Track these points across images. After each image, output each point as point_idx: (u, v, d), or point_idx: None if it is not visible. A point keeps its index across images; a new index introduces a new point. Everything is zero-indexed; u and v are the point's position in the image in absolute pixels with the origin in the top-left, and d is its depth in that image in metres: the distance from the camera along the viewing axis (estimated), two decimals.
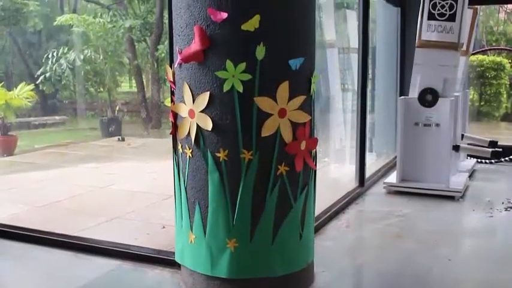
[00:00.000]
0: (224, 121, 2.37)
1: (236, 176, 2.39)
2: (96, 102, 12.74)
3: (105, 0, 12.94)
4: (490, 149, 5.17)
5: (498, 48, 12.46)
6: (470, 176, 5.37)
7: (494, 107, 11.27)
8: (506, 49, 12.45)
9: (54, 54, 10.90)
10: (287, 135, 2.41)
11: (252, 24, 2.29)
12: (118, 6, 12.21)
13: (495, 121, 11.34)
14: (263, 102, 2.34)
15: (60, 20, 10.93)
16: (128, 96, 13.61)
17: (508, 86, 11.28)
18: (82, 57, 10.98)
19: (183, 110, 2.49)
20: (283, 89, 2.36)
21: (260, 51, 2.31)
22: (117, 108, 11.73)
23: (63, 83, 11.51)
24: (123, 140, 9.55)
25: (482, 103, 11.27)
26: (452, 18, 4.69)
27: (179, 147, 2.58)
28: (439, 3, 4.70)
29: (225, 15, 2.30)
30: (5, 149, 8.31)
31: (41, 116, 12.13)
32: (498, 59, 11.18)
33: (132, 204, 4.66)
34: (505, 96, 11.27)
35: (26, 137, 9.69)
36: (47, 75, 10.91)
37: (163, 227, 3.84)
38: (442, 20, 4.69)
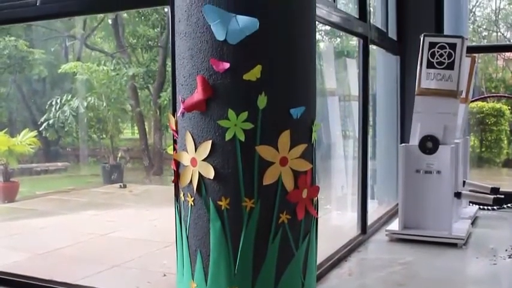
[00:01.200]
0: (226, 169, 2.39)
1: (238, 224, 2.39)
2: (98, 148, 12.81)
3: (109, 48, 13.16)
4: (492, 196, 5.16)
5: (497, 95, 12.58)
6: (472, 223, 5.35)
7: (495, 153, 11.31)
8: (505, 96, 12.57)
9: (58, 101, 11.02)
10: (288, 184, 2.42)
11: (253, 74, 2.34)
12: (122, 55, 12.41)
13: (496, 167, 11.35)
14: (265, 151, 2.36)
15: (65, 67, 11.10)
16: (130, 143, 13.69)
17: (508, 132, 11.35)
18: (85, 104, 11.10)
19: (185, 159, 2.51)
20: (285, 137, 2.39)
21: (262, 101, 2.34)
22: (119, 154, 11.78)
23: (66, 129, 11.60)
24: (124, 186, 9.56)
25: (483, 149, 11.31)
26: (450, 66, 4.76)
27: (181, 195, 2.59)
28: (438, 51, 4.78)
29: (227, 65, 2.34)
30: (6, 196, 8.32)
31: (43, 163, 12.18)
32: (498, 105, 11.28)
33: (133, 252, 4.64)
34: (505, 142, 11.32)
35: (27, 183, 9.70)
36: (51, 121, 11.01)
37: (164, 275, 3.82)
38: (440, 69, 4.76)
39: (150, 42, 12.62)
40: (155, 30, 12.46)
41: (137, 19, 12.25)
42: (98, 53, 13.48)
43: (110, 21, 12.73)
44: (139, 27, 12.40)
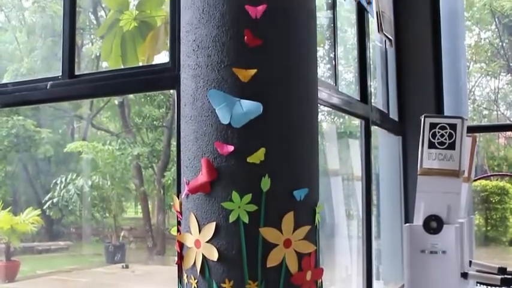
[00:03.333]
0: (230, 252, 2.39)
1: None
2: (101, 227, 12.77)
3: (115, 128, 13.38)
4: (500, 276, 5.08)
5: (500, 174, 12.61)
6: None
7: (501, 231, 11.22)
8: (507, 175, 12.60)
9: (63, 180, 11.11)
10: (293, 266, 2.42)
11: (257, 156, 2.38)
12: (127, 134, 12.60)
13: (503, 246, 11.22)
14: (268, 233, 2.37)
15: (70, 146, 11.26)
16: (133, 222, 13.65)
17: None
18: (90, 183, 11.17)
19: (189, 240, 2.52)
20: (288, 219, 2.40)
21: (265, 183, 2.38)
22: (122, 234, 11.73)
23: (70, 208, 11.61)
24: (127, 267, 9.47)
25: (488, 228, 11.23)
26: (452, 146, 4.81)
27: (184, 277, 2.58)
28: (439, 132, 4.84)
29: (231, 148, 2.40)
30: (7, 275, 8.23)
31: (46, 241, 12.11)
32: (501, 183, 11.29)
33: None
34: (511, 220, 11.25)
35: (29, 262, 9.61)
36: (55, 200, 11.06)
37: None
38: (442, 149, 4.81)
39: (155, 122, 12.85)
40: (160, 110, 12.72)
41: (143, 100, 12.52)
42: (104, 132, 13.69)
43: (116, 102, 13.00)
44: (145, 107, 12.67)
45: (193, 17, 2.54)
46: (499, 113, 15.56)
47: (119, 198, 12.03)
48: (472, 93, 14.58)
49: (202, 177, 2.45)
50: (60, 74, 3.60)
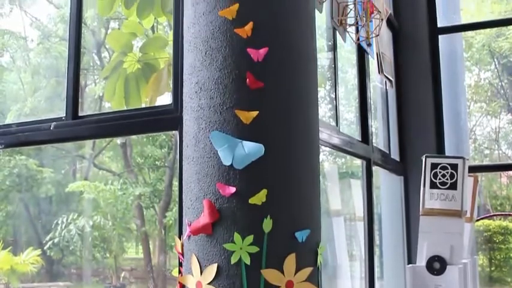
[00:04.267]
0: None
1: None
2: (101, 268, 12.66)
3: (117, 168, 13.41)
4: None
5: (503, 214, 12.55)
6: None
7: (506, 272, 11.10)
8: (511, 214, 12.53)
9: (64, 220, 11.08)
10: None
11: (259, 198, 2.39)
12: (129, 174, 12.61)
13: (507, 287, 11.09)
14: (270, 275, 2.36)
15: (72, 186, 11.26)
16: (134, 263, 13.54)
17: None
18: (91, 223, 11.14)
19: (191, 282, 2.50)
20: (290, 261, 2.39)
21: (267, 224, 2.38)
22: (123, 275, 11.64)
23: (70, 248, 11.54)
24: None
25: (492, 268, 11.11)
26: (453, 186, 4.80)
27: None
28: (440, 172, 4.85)
29: (233, 189, 2.41)
30: None
31: (45, 282, 12.00)
32: (504, 223, 11.22)
33: None
34: None
35: None
36: (56, 240, 11.00)
37: None
38: (444, 189, 4.80)
39: (157, 162, 12.89)
40: (162, 150, 12.77)
41: (145, 140, 12.59)
42: (106, 172, 13.71)
43: (118, 142, 13.07)
44: (147, 147, 12.72)
45: (196, 60, 2.59)
46: (500, 152, 15.57)
47: (120, 238, 11.97)
48: (473, 132, 14.63)
49: (204, 218, 2.45)
50: (64, 114, 3.64)
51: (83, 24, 3.81)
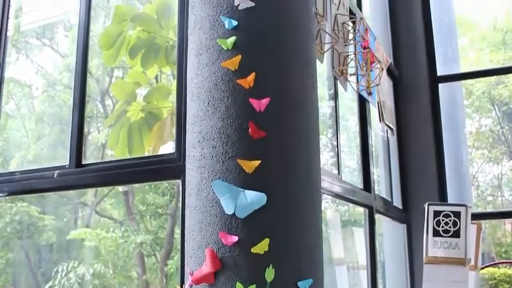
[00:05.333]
0: None
1: None
2: None
3: (118, 215, 13.34)
4: None
5: (509, 262, 12.40)
6: None
7: None
8: None
9: (64, 268, 10.95)
10: None
11: (261, 247, 2.39)
12: (130, 222, 12.55)
13: None
14: None
15: (73, 234, 11.18)
16: None
17: None
18: (92, 271, 11.02)
19: None
20: None
21: (269, 274, 2.37)
22: None
23: None
24: None
25: None
26: (456, 234, 4.77)
27: None
28: (443, 220, 4.83)
29: (235, 238, 2.41)
30: None
31: None
32: (510, 271, 11.05)
33: None
34: None
35: None
36: None
37: None
38: (447, 237, 4.77)
39: (159, 210, 12.83)
40: (164, 198, 12.73)
41: (147, 187, 12.57)
42: (107, 219, 13.64)
43: (120, 189, 13.05)
44: (149, 194, 12.69)
45: (199, 109, 2.63)
46: (503, 199, 15.49)
47: (121, 286, 11.81)
48: (476, 179, 14.59)
49: (206, 267, 2.44)
50: (68, 163, 3.67)
51: (87, 73, 3.88)
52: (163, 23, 4.44)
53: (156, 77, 4.79)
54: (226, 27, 2.59)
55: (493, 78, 10.03)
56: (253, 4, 2.60)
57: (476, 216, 5.71)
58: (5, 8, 4.39)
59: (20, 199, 11.90)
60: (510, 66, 8.78)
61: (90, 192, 13.87)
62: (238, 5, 2.60)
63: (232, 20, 2.58)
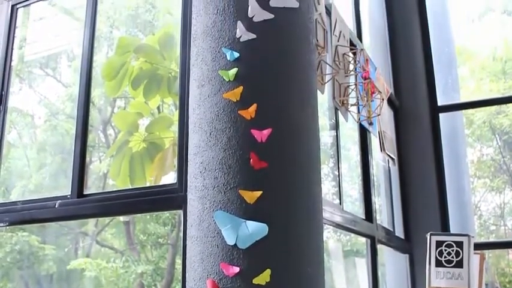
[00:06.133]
0: None
1: None
2: None
3: (119, 245, 13.27)
4: None
5: None
6: None
7: None
8: None
9: None
10: None
11: (263, 278, 2.38)
12: (131, 252, 12.48)
13: None
14: None
15: (74, 264, 11.11)
16: None
17: None
18: None
19: None
20: None
21: None
22: None
23: None
24: None
25: None
26: (459, 264, 4.74)
27: None
28: (445, 250, 4.80)
29: (237, 269, 2.40)
30: None
31: None
32: None
33: None
34: None
35: None
36: None
37: None
38: (449, 267, 4.75)
39: (160, 240, 12.77)
40: (166, 228, 12.67)
41: (148, 217, 12.54)
42: (108, 249, 13.56)
43: (121, 219, 13.01)
44: (150, 224, 12.64)
45: (201, 140, 2.64)
46: (506, 228, 15.40)
47: None
48: (478, 208, 14.52)
49: None
50: (69, 193, 3.67)
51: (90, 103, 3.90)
52: (166, 54, 4.48)
53: (158, 108, 4.81)
54: (228, 58, 2.63)
55: (494, 108, 10.06)
56: (254, 36, 2.63)
57: (479, 246, 5.67)
58: (9, 39, 4.44)
59: (21, 228, 11.84)
60: (510, 96, 8.80)
61: (91, 221, 13.80)
62: (240, 37, 2.64)
63: (234, 52, 2.62)
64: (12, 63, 4.49)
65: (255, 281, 2.37)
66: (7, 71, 4.40)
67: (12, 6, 4.43)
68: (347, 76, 4.12)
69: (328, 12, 4.05)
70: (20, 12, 4.54)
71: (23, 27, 4.83)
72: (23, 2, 4.44)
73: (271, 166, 2.51)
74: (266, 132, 2.53)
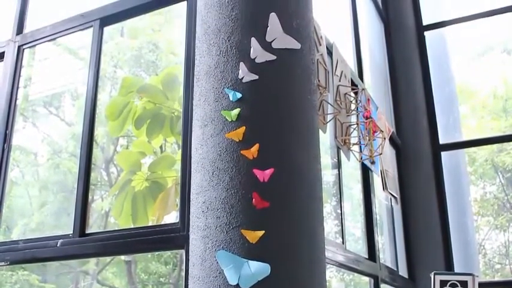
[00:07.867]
0: None
1: None
2: None
3: (120, 284, 13.13)
4: None
5: None
6: None
7: None
8: None
9: None
10: None
11: None
12: None
13: None
14: None
15: None
16: None
17: None
18: None
19: None
20: None
21: None
22: None
23: None
24: None
25: None
26: None
27: None
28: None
29: None
30: None
31: None
32: None
33: None
34: None
35: None
36: None
37: None
38: None
39: (161, 279, 12.64)
40: (167, 267, 12.56)
41: (150, 256, 12.44)
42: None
43: (123, 258, 12.91)
44: (152, 263, 12.53)
45: (203, 180, 2.65)
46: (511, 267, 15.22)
47: None
48: (483, 247, 14.40)
49: None
50: (71, 231, 3.66)
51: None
52: (169, 94, 4.51)
53: (160, 147, 4.82)
54: (231, 99, 2.66)
55: (495, 146, 10.08)
56: (257, 77, 2.67)
57: (483, 286, 5.62)
58: (15, 79, 4.49)
59: (21, 267, 11.74)
60: (511, 134, 8.83)
61: (92, 260, 13.68)
62: (243, 77, 2.67)
63: (237, 93, 2.65)
64: (17, 102, 4.54)
65: None
66: (12, 110, 4.44)
67: (19, 47, 4.50)
68: (349, 115, 4.16)
69: (330, 52, 4.11)
70: (26, 52, 4.61)
71: (28, 66, 4.89)
72: (29, 42, 4.51)
73: (274, 206, 2.52)
74: (268, 172, 2.54)
